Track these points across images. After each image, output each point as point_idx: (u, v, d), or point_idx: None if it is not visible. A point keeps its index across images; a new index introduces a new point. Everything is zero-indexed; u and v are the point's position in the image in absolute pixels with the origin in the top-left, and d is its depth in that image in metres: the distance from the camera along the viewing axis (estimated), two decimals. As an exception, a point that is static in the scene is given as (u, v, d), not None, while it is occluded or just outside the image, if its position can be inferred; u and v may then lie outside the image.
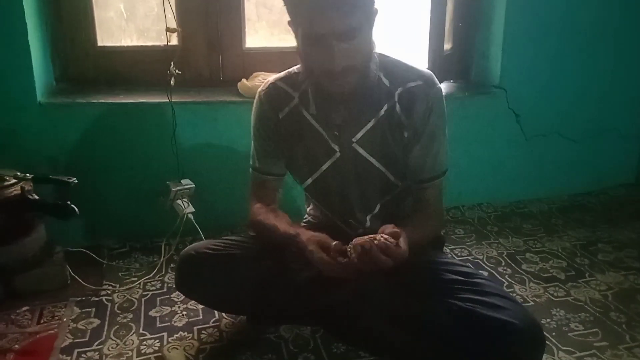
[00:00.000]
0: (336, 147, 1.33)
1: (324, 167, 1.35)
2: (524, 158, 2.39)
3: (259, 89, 1.39)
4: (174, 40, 2.01)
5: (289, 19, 1.22)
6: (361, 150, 1.32)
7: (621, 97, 2.48)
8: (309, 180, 1.39)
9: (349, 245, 1.13)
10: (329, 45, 1.13)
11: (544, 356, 1.25)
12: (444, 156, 1.34)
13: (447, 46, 2.32)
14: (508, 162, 2.37)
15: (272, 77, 1.40)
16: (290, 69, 1.38)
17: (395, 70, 1.30)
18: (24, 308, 1.60)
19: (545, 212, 2.32)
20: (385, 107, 1.29)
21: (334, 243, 1.17)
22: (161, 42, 2.03)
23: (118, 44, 2.09)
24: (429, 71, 1.31)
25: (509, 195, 2.41)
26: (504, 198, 2.40)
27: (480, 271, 1.80)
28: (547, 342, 1.40)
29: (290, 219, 1.38)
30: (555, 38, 2.29)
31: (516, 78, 2.29)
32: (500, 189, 2.39)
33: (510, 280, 1.80)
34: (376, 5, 1.20)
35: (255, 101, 1.40)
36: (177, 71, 1.88)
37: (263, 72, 2.09)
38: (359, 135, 1.31)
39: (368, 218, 1.40)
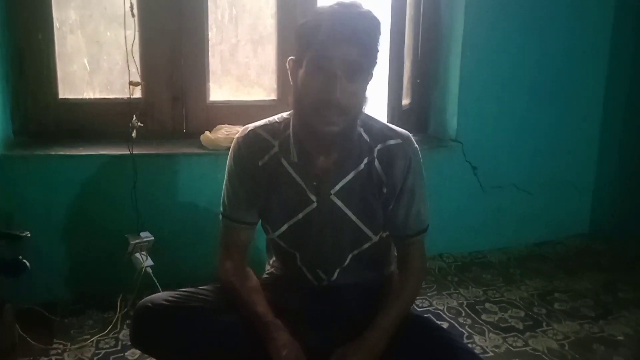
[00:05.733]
0: (314, 198, 1.32)
1: (299, 216, 1.34)
2: (482, 209, 2.46)
3: (237, 135, 1.37)
4: (138, 93, 2.03)
5: (291, 57, 1.24)
6: (339, 202, 1.32)
7: (573, 151, 2.60)
8: (284, 227, 1.36)
9: None
10: (332, 73, 1.16)
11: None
12: (425, 212, 1.37)
13: (406, 101, 2.41)
14: (467, 213, 2.43)
15: (250, 124, 1.37)
16: (270, 118, 1.37)
17: (375, 127, 1.33)
18: (-34, 371, 1.52)
19: (504, 262, 2.37)
20: (365, 161, 1.32)
21: None
22: (125, 95, 2.04)
23: (80, 97, 2.09)
24: (407, 131, 1.36)
25: (469, 245, 2.46)
26: (464, 248, 2.45)
27: (440, 322, 1.81)
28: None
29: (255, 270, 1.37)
30: (509, 94, 2.41)
31: (472, 132, 2.38)
32: (460, 240, 2.43)
33: (470, 330, 1.81)
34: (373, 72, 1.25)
35: (232, 147, 1.37)
36: (139, 123, 1.89)
37: (227, 125, 2.11)
38: (337, 187, 1.32)
39: (337, 271, 1.39)
